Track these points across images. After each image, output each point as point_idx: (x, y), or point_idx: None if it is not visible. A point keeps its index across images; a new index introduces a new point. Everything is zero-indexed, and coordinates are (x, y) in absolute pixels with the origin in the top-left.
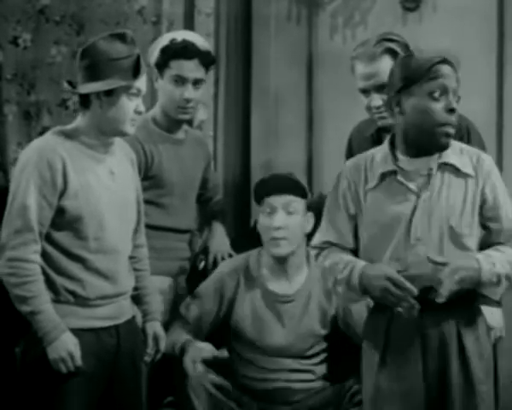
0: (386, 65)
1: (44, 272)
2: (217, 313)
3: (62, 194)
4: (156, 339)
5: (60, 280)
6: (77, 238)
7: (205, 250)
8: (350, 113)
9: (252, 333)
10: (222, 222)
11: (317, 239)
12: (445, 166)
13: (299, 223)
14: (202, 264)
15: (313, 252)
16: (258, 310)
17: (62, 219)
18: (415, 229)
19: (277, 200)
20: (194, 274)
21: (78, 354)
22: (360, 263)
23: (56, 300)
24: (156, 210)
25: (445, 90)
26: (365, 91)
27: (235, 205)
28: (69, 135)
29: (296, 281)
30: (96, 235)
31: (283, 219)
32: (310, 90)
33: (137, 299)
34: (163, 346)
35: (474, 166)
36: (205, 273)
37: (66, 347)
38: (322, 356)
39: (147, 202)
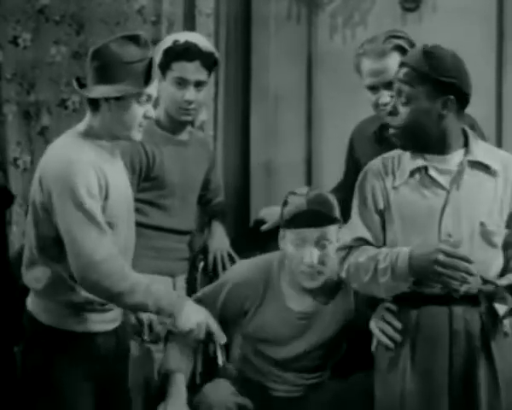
0: (394, 61)
1: (64, 279)
2: (229, 322)
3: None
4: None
5: (79, 288)
6: None
7: (204, 250)
8: (349, 112)
9: (263, 346)
10: (222, 222)
11: (347, 237)
12: (473, 164)
13: (332, 251)
14: (202, 264)
15: (341, 253)
16: (275, 326)
17: None
18: (445, 224)
19: (311, 233)
20: (193, 274)
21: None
22: (404, 248)
23: (75, 306)
24: (157, 211)
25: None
26: (373, 88)
27: (235, 205)
28: (87, 137)
29: (313, 293)
30: (114, 238)
31: (318, 253)
32: (309, 89)
33: None
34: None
35: (504, 166)
36: (204, 273)
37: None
38: (328, 371)
39: (148, 202)
